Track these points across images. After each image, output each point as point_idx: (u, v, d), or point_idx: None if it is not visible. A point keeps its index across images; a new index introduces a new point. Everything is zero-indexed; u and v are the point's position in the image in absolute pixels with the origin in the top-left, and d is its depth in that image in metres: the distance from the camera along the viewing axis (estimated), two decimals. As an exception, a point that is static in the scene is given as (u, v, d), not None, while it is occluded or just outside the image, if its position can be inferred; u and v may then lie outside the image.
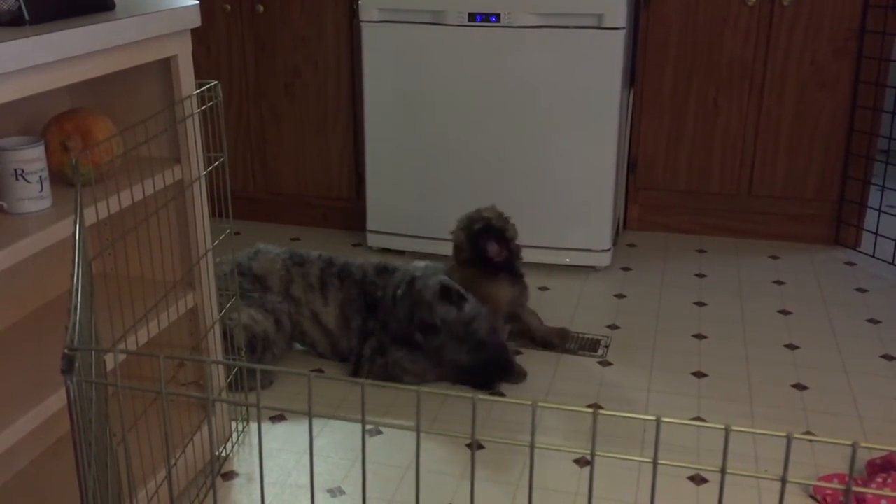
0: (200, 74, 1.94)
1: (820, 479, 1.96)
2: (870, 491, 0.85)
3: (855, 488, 0.81)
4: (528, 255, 3.08)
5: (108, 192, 1.61)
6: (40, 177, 1.57)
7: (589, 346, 2.59)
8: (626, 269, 3.12)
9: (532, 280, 3.03)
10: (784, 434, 0.75)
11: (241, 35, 3.34)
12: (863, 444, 0.71)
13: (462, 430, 2.15)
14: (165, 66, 1.82)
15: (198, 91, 1.86)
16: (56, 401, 1.51)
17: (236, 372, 2.17)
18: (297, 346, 2.55)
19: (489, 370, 2.36)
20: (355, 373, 2.44)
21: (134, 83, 1.86)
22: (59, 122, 1.68)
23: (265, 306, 2.41)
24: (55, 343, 1.69)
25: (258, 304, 2.40)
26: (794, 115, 3.17)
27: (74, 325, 0.94)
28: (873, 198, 3.26)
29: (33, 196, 1.56)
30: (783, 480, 0.77)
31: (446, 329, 2.32)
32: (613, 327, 2.70)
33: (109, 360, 1.58)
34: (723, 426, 0.79)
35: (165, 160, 1.86)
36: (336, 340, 2.48)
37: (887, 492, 0.94)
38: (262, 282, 2.46)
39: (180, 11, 1.78)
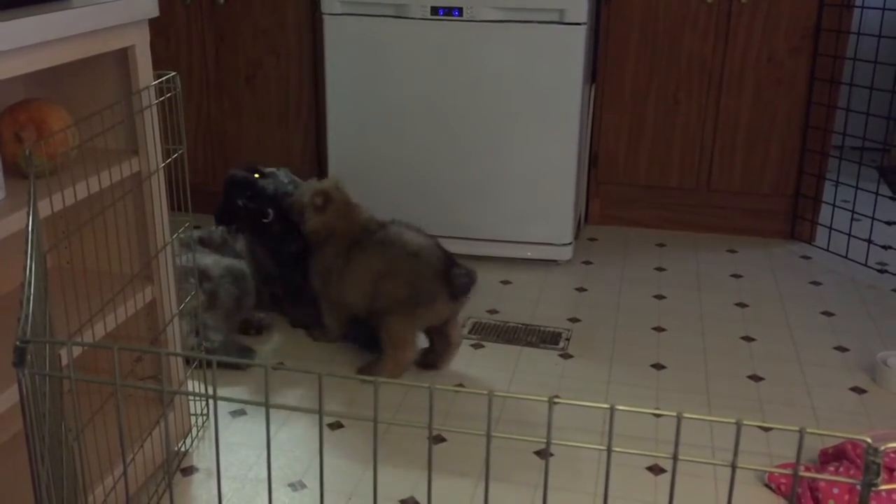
0: (159, 66, 1.91)
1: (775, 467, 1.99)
2: (822, 477, 0.88)
3: (806, 474, 0.83)
4: (490, 249, 3.11)
5: (64, 183, 1.59)
6: (-7, 168, 1.54)
7: (550, 338, 2.61)
8: (587, 262, 3.15)
9: (494, 274, 3.05)
10: (734, 421, 0.76)
11: (201, 26, 3.31)
12: (809, 431, 0.73)
13: (422, 421, 2.15)
14: (122, 57, 1.80)
15: (156, 82, 1.84)
16: (11, 396, 1.49)
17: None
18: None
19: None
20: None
21: (90, 74, 1.83)
22: (13, 113, 1.65)
23: (211, 245, 2.69)
24: (9, 337, 1.66)
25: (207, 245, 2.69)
26: (751, 111, 3.22)
27: (27, 317, 0.93)
28: (828, 193, 3.32)
29: (-14, 188, 1.53)
30: (733, 466, 0.79)
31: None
32: (574, 320, 2.73)
33: (67, 355, 1.56)
34: (674, 414, 0.80)
35: (123, 152, 1.84)
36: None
37: (839, 478, 0.96)
38: (206, 244, 2.71)
39: (138, 1, 1.76)
